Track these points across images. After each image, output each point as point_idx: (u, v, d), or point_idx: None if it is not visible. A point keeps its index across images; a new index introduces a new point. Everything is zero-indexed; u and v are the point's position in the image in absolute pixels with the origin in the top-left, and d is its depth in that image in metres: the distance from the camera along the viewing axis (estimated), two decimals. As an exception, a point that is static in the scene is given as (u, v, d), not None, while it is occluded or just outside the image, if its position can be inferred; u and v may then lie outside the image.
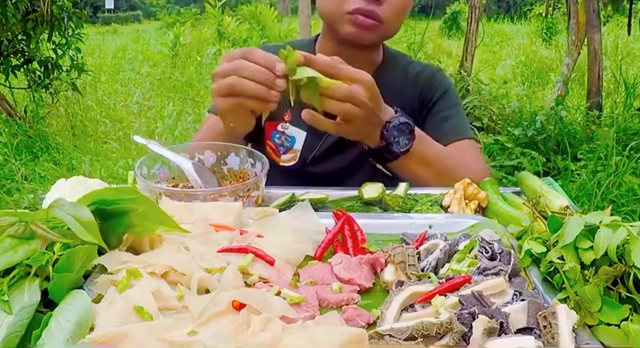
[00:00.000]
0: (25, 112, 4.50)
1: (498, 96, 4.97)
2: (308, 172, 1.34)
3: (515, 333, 0.62)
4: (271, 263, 0.76)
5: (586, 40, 4.56)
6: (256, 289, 0.71)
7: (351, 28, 1.19)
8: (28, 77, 4.55)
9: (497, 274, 0.72)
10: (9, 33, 4.11)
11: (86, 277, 0.71)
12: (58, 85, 4.68)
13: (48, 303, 0.65)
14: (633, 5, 5.17)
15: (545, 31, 10.41)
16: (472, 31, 5.16)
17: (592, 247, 0.68)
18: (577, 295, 0.66)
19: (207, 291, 0.70)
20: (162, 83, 6.64)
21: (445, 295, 0.67)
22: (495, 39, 10.91)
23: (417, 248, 0.80)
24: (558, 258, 0.71)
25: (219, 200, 0.91)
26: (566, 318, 0.61)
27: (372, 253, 0.80)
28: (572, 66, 4.95)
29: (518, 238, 0.84)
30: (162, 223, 0.75)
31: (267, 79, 0.93)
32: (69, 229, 0.69)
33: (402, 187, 1.05)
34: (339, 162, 1.35)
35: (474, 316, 0.62)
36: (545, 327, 0.61)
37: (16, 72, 4.46)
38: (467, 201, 1.01)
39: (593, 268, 0.67)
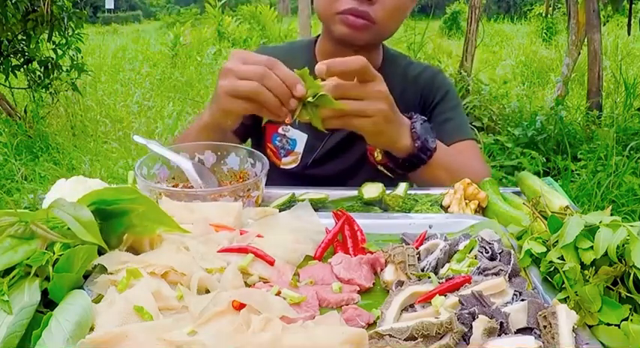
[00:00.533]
0: (25, 112, 4.50)
1: (498, 96, 4.98)
2: (309, 174, 1.34)
3: (515, 333, 0.62)
4: (271, 263, 0.76)
5: (586, 40, 4.57)
6: (256, 289, 0.71)
7: (343, 29, 1.18)
8: (28, 77, 4.55)
9: (497, 274, 0.72)
10: (9, 33, 4.11)
11: (86, 277, 0.71)
12: (58, 85, 4.68)
13: (48, 303, 0.65)
14: (633, 5, 5.17)
15: (545, 31, 10.41)
16: (472, 31, 5.16)
17: (592, 247, 0.68)
18: (577, 295, 0.66)
19: (207, 291, 0.70)
20: (162, 83, 6.64)
21: (445, 295, 0.67)
22: (495, 39, 10.92)
23: (417, 248, 0.80)
24: (558, 258, 0.71)
25: (219, 200, 0.91)
26: (566, 318, 0.61)
27: (372, 253, 0.80)
28: (572, 66, 4.95)
29: (518, 238, 0.84)
30: (163, 223, 0.75)
31: (284, 95, 0.91)
32: (69, 229, 0.69)
33: (402, 187, 1.05)
34: (340, 164, 1.35)
35: (474, 316, 0.62)
36: (545, 327, 0.61)
37: (16, 72, 4.45)
38: (467, 201, 1.01)
39: (593, 268, 0.67)
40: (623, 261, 0.66)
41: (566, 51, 5.04)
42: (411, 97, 1.36)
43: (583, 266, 0.68)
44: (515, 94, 5.58)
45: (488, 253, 0.77)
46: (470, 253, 0.77)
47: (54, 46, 4.46)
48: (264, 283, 0.73)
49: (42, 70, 4.50)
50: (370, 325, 0.67)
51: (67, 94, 4.93)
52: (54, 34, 4.33)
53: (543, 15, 11.27)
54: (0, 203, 2.93)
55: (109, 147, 4.34)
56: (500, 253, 0.76)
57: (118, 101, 5.62)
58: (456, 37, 12.09)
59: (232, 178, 1.09)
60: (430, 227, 0.89)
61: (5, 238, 0.69)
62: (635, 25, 5.33)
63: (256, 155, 1.06)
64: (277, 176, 1.32)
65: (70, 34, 4.49)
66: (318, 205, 1.00)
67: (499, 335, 0.60)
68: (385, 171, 1.16)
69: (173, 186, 1.06)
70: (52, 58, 4.49)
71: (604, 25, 8.06)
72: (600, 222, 0.70)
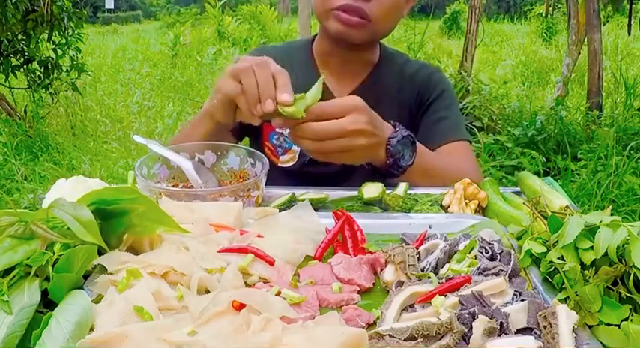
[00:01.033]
0: (25, 112, 4.50)
1: (498, 96, 4.98)
2: (307, 172, 1.34)
3: (515, 333, 0.62)
4: (271, 263, 0.76)
5: (586, 40, 4.57)
6: (256, 289, 0.71)
7: (338, 26, 1.18)
8: (28, 77, 4.55)
9: (497, 274, 0.72)
10: (9, 33, 4.11)
11: (86, 277, 0.71)
12: (58, 85, 4.68)
13: (48, 303, 0.65)
14: (633, 5, 5.17)
15: (545, 31, 10.41)
16: (472, 31, 5.16)
17: (592, 247, 0.68)
18: (577, 295, 0.66)
19: (207, 291, 0.70)
20: (162, 83, 6.64)
21: (445, 295, 0.67)
22: (495, 39, 10.91)
23: (417, 248, 0.80)
24: (558, 258, 0.71)
25: (219, 200, 0.91)
26: (566, 318, 0.61)
27: (372, 253, 0.80)
28: (572, 66, 4.95)
29: (518, 238, 0.84)
30: (163, 223, 0.75)
31: (265, 94, 0.90)
32: (69, 229, 0.69)
33: (402, 187, 1.05)
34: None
35: (474, 316, 0.62)
36: (545, 327, 0.61)
37: (16, 72, 4.46)
38: (467, 201, 1.01)
39: (593, 268, 0.67)
40: (623, 261, 0.66)
41: (566, 51, 5.04)
42: (408, 95, 1.35)
43: (583, 266, 0.68)
44: (515, 94, 5.58)
45: (488, 253, 0.77)
46: (470, 253, 0.77)
47: (54, 46, 4.46)
48: (264, 283, 0.73)
49: (42, 70, 4.50)
50: (370, 325, 0.67)
51: (67, 94, 4.93)
52: (54, 34, 4.33)
53: (543, 15, 11.27)
54: (0, 203, 2.93)
55: (109, 147, 4.34)
56: (500, 253, 0.76)
57: (118, 101, 5.62)
58: (456, 37, 12.09)
59: (232, 178, 1.09)
60: (430, 227, 0.89)
61: (5, 238, 0.69)
62: (635, 25, 5.33)
63: (256, 155, 1.06)
64: (275, 175, 1.32)
65: (70, 34, 4.49)
66: (318, 205, 1.00)
67: (499, 335, 0.60)
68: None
69: (173, 186, 1.06)
70: (52, 58, 4.49)
71: (604, 25, 8.05)
72: (600, 222, 0.70)
